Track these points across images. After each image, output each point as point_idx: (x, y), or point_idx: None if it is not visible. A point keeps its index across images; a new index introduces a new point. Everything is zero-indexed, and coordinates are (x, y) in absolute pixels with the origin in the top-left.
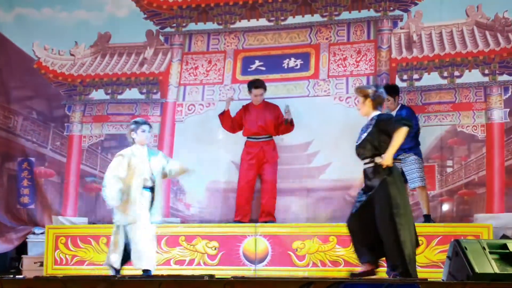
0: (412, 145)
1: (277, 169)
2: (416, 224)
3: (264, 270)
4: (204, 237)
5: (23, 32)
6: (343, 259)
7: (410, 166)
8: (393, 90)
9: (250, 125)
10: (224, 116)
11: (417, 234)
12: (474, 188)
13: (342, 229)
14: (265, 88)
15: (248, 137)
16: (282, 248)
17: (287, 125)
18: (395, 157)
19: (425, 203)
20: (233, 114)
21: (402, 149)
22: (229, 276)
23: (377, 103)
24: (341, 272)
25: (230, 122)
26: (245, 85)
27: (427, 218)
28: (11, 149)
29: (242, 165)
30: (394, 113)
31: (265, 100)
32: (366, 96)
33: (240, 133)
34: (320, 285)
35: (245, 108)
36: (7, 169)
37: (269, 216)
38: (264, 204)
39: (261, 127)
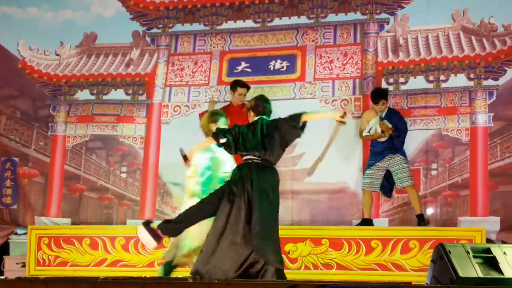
0: (399, 147)
1: None
2: (409, 227)
3: None
4: None
5: (7, 31)
6: (336, 262)
7: (398, 166)
8: (386, 94)
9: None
10: None
11: (409, 237)
12: (458, 190)
13: (335, 232)
14: (249, 89)
15: None
16: None
17: None
18: (381, 159)
19: (417, 202)
20: None
21: (389, 150)
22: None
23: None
24: (333, 275)
25: None
26: None
27: (421, 218)
28: None
29: None
30: (383, 115)
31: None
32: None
33: None
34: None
35: (224, 110)
36: None
37: None
38: None
39: None
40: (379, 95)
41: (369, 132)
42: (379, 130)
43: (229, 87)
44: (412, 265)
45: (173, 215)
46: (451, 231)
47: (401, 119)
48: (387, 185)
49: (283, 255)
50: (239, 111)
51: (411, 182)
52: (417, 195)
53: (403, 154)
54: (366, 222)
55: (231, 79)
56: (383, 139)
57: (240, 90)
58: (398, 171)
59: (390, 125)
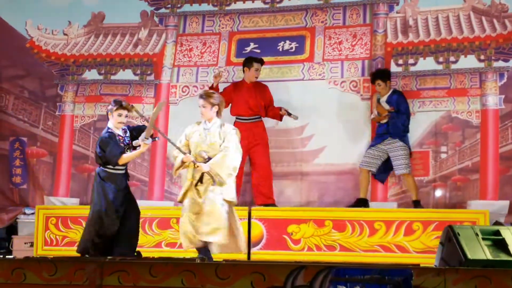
0: (403, 130)
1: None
2: (413, 209)
3: (259, 254)
4: None
5: (15, 10)
6: (339, 243)
7: (396, 152)
8: (384, 75)
9: (240, 104)
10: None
11: (413, 219)
12: (468, 174)
13: (338, 213)
14: (263, 64)
15: (237, 118)
16: (277, 232)
17: (276, 114)
18: (381, 141)
19: (413, 189)
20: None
21: (390, 133)
22: (220, 259)
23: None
24: (336, 257)
25: None
26: (240, 68)
27: (417, 204)
28: (2, 129)
29: None
30: (385, 98)
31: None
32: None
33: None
34: (312, 269)
35: (235, 86)
36: None
37: (270, 199)
38: (262, 187)
39: (252, 107)
40: (375, 75)
41: (372, 114)
42: (375, 112)
43: (238, 67)
44: (415, 247)
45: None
46: (454, 213)
47: (401, 101)
48: (383, 171)
49: (286, 236)
50: (251, 89)
51: (407, 170)
52: (413, 182)
53: (404, 140)
54: (361, 202)
55: (240, 59)
56: (384, 121)
57: (256, 65)
58: (395, 157)
59: (387, 107)
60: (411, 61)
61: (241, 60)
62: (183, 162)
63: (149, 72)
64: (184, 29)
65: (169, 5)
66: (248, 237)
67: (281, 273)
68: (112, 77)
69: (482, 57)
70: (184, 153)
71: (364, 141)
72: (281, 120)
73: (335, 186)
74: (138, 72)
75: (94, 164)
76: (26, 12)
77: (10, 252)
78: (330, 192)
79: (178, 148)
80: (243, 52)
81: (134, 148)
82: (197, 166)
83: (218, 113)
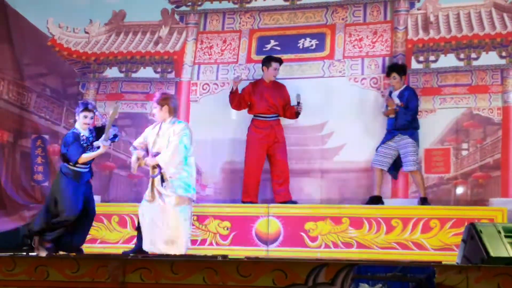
0: (408, 126)
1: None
2: (430, 206)
3: (276, 251)
4: (216, 217)
5: (37, 9)
6: (356, 240)
7: (405, 149)
8: (400, 69)
9: (260, 103)
10: (234, 95)
11: (430, 216)
12: (489, 171)
13: (355, 210)
14: (281, 63)
15: (255, 116)
16: (294, 229)
17: (293, 112)
18: (391, 138)
19: (421, 186)
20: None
21: (398, 130)
22: (241, 257)
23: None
24: (353, 254)
25: (237, 100)
26: (260, 65)
27: (423, 201)
28: (24, 126)
29: (251, 144)
30: (397, 92)
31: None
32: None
33: None
34: (334, 267)
35: (254, 86)
36: (20, 146)
37: (289, 197)
38: (281, 184)
39: (272, 105)
40: (391, 67)
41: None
42: (385, 106)
43: (258, 65)
44: (433, 244)
45: (202, 193)
46: (472, 210)
47: (412, 97)
48: (394, 168)
49: (303, 233)
50: (270, 88)
51: (415, 167)
52: (421, 179)
53: (413, 136)
54: (376, 199)
55: (260, 57)
56: (392, 115)
57: (274, 64)
58: (405, 154)
59: (397, 101)
60: (432, 58)
61: (262, 57)
62: (138, 159)
63: (169, 70)
64: (205, 26)
65: (190, 3)
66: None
67: (302, 271)
68: (133, 75)
69: (503, 53)
70: (136, 149)
71: None
72: (297, 117)
73: (356, 183)
74: (159, 70)
75: (115, 161)
76: (48, 11)
77: (32, 249)
78: (351, 190)
79: (132, 145)
80: (264, 49)
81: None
82: (145, 163)
83: (170, 112)
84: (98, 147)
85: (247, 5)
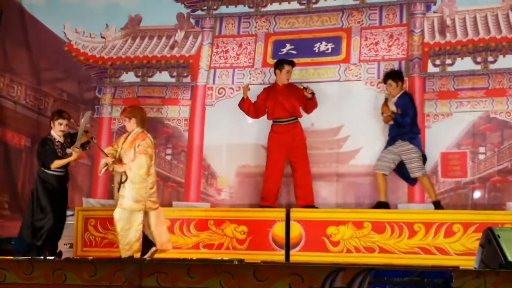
0: (407, 132)
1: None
2: (453, 211)
3: (298, 255)
4: (233, 221)
5: (54, 14)
6: (378, 245)
7: (408, 156)
8: (395, 75)
9: (276, 107)
10: (243, 103)
11: (453, 221)
12: (507, 175)
13: (377, 215)
14: (294, 66)
15: (274, 121)
16: (316, 234)
17: (311, 101)
18: (393, 143)
19: (431, 191)
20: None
21: (399, 135)
22: (258, 261)
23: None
24: (375, 259)
25: (253, 109)
26: None
27: (437, 205)
28: (41, 131)
29: (271, 150)
30: (395, 99)
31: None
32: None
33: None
34: (350, 271)
35: (268, 91)
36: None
37: (311, 201)
38: (304, 188)
39: (288, 109)
40: (386, 75)
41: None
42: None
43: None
44: (456, 249)
45: (218, 197)
46: (496, 214)
47: (407, 104)
48: (406, 173)
49: (324, 238)
50: (284, 91)
51: (421, 172)
52: (429, 183)
53: (413, 142)
54: (381, 205)
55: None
56: (391, 122)
57: (287, 67)
58: (408, 160)
59: (393, 108)
60: (448, 61)
61: None
62: (106, 164)
63: (185, 74)
64: (220, 30)
65: (205, 7)
66: (286, 238)
67: (319, 275)
68: (149, 80)
69: None
70: (107, 155)
71: None
72: (314, 103)
73: (371, 187)
74: (175, 74)
75: None
76: (65, 16)
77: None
78: (366, 194)
79: (102, 151)
80: (279, 53)
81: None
82: (112, 169)
83: (138, 124)
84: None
85: (263, 9)
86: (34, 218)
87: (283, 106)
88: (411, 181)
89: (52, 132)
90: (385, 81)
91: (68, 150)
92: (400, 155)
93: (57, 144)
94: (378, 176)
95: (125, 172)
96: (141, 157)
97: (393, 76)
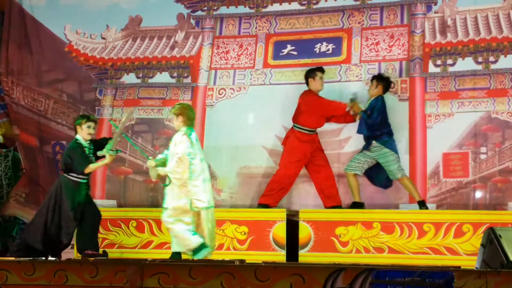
0: (379, 134)
1: None
2: (462, 211)
3: (307, 256)
4: (233, 221)
5: (54, 15)
6: (387, 245)
7: (384, 159)
8: (379, 78)
9: (309, 116)
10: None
11: (463, 221)
12: (508, 175)
13: (386, 215)
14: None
15: (301, 128)
16: (325, 234)
17: (349, 117)
18: (367, 147)
19: (413, 191)
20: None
21: (373, 138)
22: (259, 261)
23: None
24: (385, 259)
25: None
26: (277, 70)
27: (422, 204)
28: (44, 133)
29: (293, 154)
30: (371, 99)
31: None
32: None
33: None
34: (352, 271)
35: (305, 96)
36: (45, 152)
37: (339, 201)
38: (331, 189)
39: (320, 123)
40: (374, 76)
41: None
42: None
43: (275, 70)
44: (465, 249)
45: (217, 198)
46: (506, 215)
47: (375, 106)
48: (383, 177)
49: (334, 238)
50: (317, 102)
51: (401, 174)
52: (410, 184)
53: (387, 145)
54: (356, 205)
55: (277, 62)
56: (357, 119)
57: (319, 74)
58: (386, 163)
59: (362, 107)
60: (449, 61)
61: (278, 62)
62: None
63: (186, 75)
64: (221, 31)
65: (206, 8)
66: (287, 238)
67: (320, 276)
68: (150, 80)
69: None
70: (149, 159)
71: (402, 143)
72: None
73: (372, 188)
74: (175, 75)
75: (130, 166)
76: (65, 17)
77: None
78: (367, 194)
79: (142, 152)
80: (280, 54)
81: (98, 158)
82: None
83: (185, 122)
84: (101, 157)
85: (263, 10)
86: (47, 227)
87: (321, 118)
88: (385, 184)
89: (78, 136)
90: (371, 80)
91: (100, 153)
92: (376, 158)
93: (84, 148)
94: (349, 176)
95: (167, 176)
96: (177, 159)
97: (377, 77)
